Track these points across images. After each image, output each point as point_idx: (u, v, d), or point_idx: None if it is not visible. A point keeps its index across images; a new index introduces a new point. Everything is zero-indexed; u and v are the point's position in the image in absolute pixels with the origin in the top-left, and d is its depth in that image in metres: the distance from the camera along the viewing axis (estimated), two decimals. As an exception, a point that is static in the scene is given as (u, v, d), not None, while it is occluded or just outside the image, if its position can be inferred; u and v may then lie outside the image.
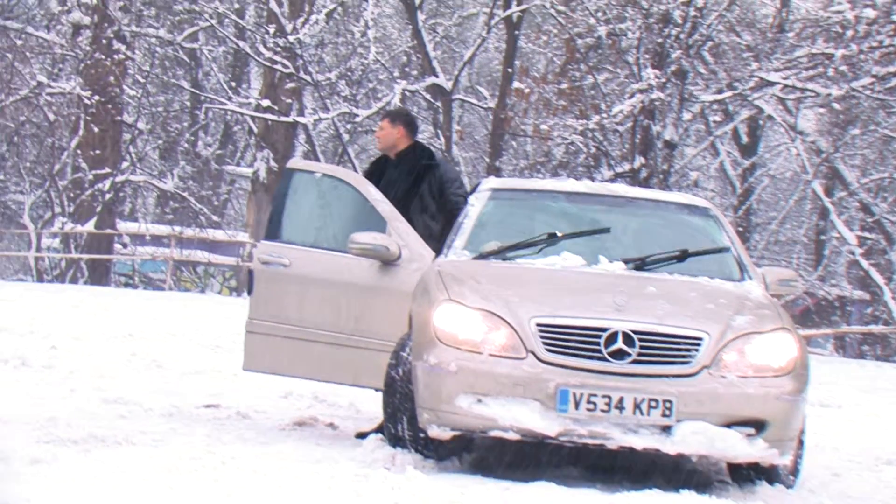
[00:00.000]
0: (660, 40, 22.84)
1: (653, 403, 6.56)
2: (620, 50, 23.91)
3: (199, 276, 32.46)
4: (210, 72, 36.43)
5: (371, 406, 9.53)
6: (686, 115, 23.61)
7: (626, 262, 7.48)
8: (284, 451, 7.29)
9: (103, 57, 28.46)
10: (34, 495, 5.63)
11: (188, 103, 37.00)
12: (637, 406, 6.56)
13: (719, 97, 23.72)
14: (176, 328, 15.32)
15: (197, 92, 34.75)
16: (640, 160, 22.98)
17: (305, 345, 8.22)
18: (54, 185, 30.22)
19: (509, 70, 27.96)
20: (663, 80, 22.48)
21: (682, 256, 7.59)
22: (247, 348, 8.42)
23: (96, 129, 28.74)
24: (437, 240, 8.20)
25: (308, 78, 28.32)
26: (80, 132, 29.19)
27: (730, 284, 7.48)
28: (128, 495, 5.80)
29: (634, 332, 6.65)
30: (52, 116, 30.10)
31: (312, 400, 10.24)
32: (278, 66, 28.37)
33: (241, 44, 31.14)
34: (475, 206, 8.05)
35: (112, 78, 28.70)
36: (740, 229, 28.45)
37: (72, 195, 29.59)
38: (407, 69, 34.12)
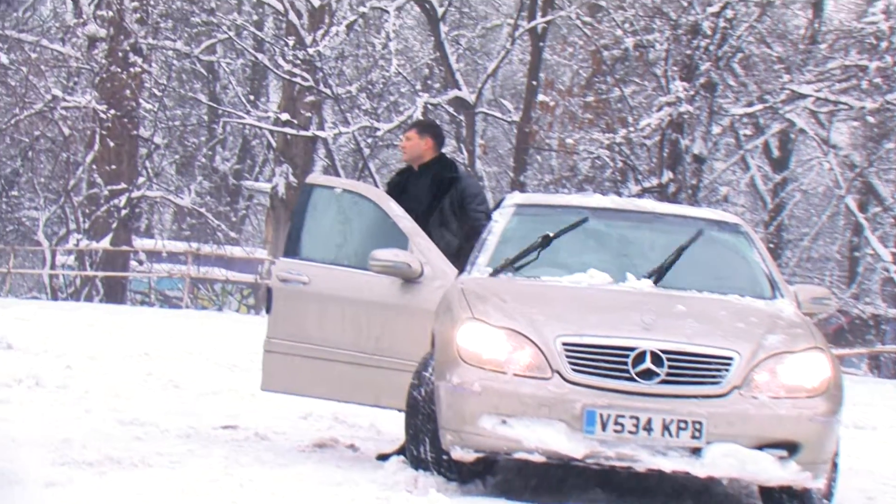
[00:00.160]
0: (688, 52, 22.84)
1: (682, 425, 6.54)
2: (648, 62, 23.91)
3: (217, 293, 32.55)
4: (228, 85, 36.56)
5: (392, 427, 9.52)
6: (715, 129, 23.59)
7: (650, 276, 7.46)
8: (304, 474, 7.29)
9: (119, 70, 28.61)
10: (48, 518, 5.64)
11: (206, 117, 37.12)
12: (666, 427, 6.54)
13: (750, 110, 23.70)
14: (193, 347, 15.34)
15: (215, 105, 34.87)
16: (668, 175, 22.95)
17: (325, 364, 8.23)
18: (69, 201, 30.35)
19: (534, 82, 27.96)
20: (692, 92, 22.46)
21: (681, 250, 7.55)
22: (265, 368, 8.42)
23: (112, 144, 28.89)
24: (456, 255, 8.21)
25: (328, 91, 28.40)
26: (96, 147, 29.33)
27: (761, 302, 7.46)
28: (144, 518, 5.81)
29: (663, 352, 6.63)
30: (67, 131, 30.22)
31: (332, 421, 10.24)
32: (298, 79, 28.47)
33: (260, 56, 31.23)
34: (499, 223, 8.04)
35: (128, 91, 28.85)
36: (771, 246, 28.36)
37: (87, 211, 29.72)
38: (429, 82, 34.18)
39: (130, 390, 11.12)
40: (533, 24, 28.14)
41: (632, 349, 6.64)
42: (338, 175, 27.85)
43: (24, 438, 7.94)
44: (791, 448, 6.65)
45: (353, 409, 9.68)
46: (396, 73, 29.83)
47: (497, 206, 8.39)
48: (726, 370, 6.66)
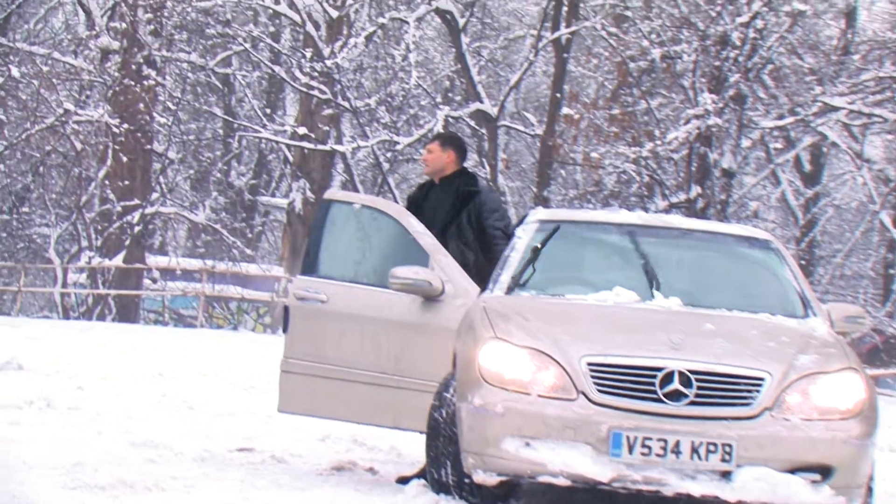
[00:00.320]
0: (717, 63, 22.84)
1: (711, 447, 6.53)
2: (675, 73, 23.92)
3: (232, 312, 32.59)
4: (244, 98, 36.68)
5: (413, 449, 9.51)
6: (745, 142, 23.58)
7: (685, 297, 7.45)
8: (322, 498, 7.29)
9: (133, 83, 28.72)
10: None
11: (221, 131, 37.25)
12: (695, 450, 6.53)
13: (780, 123, 23.68)
14: (208, 367, 15.37)
15: (230, 119, 34.99)
16: (696, 190, 22.94)
17: (344, 385, 8.23)
18: (81, 218, 30.44)
19: (558, 95, 27.98)
20: (721, 105, 22.45)
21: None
22: (282, 389, 8.43)
23: (125, 159, 28.99)
24: (471, 270, 8.22)
25: (346, 104, 28.47)
26: (109, 162, 29.44)
27: (793, 321, 7.44)
28: (157, 543, 5.82)
29: (691, 372, 6.62)
30: (79, 145, 30.33)
31: (351, 443, 10.24)
32: (315, 92, 28.54)
33: (277, 69, 31.34)
34: (522, 239, 8.05)
35: (142, 105, 28.95)
36: (803, 263, 28.32)
37: (99, 228, 29.82)
38: (450, 94, 34.23)
39: (144, 412, 11.15)
40: (557, 34, 28.16)
41: (659, 369, 6.63)
42: (356, 190, 27.90)
43: (35, 461, 7.96)
44: (824, 472, 6.63)
45: (372, 432, 9.67)
46: (416, 86, 29.88)
47: (520, 222, 8.39)
48: (757, 391, 6.64)
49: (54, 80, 30.22)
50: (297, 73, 29.09)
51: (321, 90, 28.38)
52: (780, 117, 23.59)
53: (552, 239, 7.97)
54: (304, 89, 28.93)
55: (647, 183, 24.43)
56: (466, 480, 7.00)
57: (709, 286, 7.65)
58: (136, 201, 29.30)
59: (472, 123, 29.78)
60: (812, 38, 26.36)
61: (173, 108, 32.11)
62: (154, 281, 31.53)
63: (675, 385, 6.60)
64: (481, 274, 8.15)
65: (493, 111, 28.48)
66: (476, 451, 6.79)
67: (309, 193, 29.88)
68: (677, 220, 8.60)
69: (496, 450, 6.70)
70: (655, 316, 7.23)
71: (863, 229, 31.26)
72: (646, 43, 24.04)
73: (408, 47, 29.18)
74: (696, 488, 6.53)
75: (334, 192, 9.02)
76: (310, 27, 29.01)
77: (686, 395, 6.60)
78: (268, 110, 34.63)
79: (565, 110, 26.41)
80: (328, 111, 29.01)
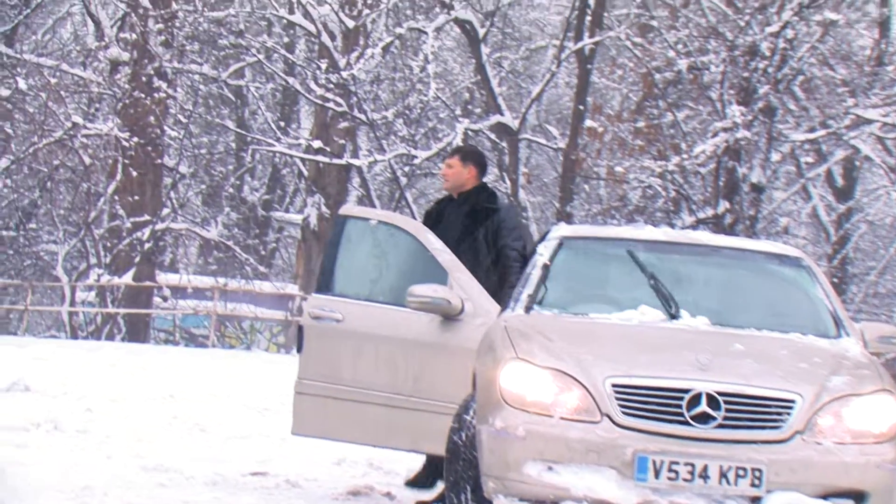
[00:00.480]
0: (746, 74, 22.83)
1: (740, 472, 6.52)
2: (703, 85, 23.91)
3: (245, 331, 32.64)
4: (257, 111, 36.76)
5: (431, 474, 9.50)
6: (775, 156, 23.55)
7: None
8: (337, 523, 7.29)
9: (143, 96, 28.82)
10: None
11: (233, 145, 37.34)
12: (723, 475, 6.51)
13: (811, 136, 23.65)
14: (220, 389, 15.39)
15: (243, 133, 35.08)
16: (724, 205, 22.92)
17: (360, 407, 8.23)
18: (90, 234, 30.54)
19: (581, 107, 28.00)
20: (750, 117, 22.44)
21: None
22: (296, 410, 8.44)
23: (135, 174, 29.08)
24: (490, 290, 8.22)
25: (363, 117, 28.52)
26: (118, 177, 29.54)
27: (825, 342, 7.42)
28: (168, 571, 5.82)
29: (719, 394, 6.61)
30: (87, 160, 30.43)
31: (367, 467, 10.25)
32: (331, 105, 28.60)
33: (291, 80, 31.42)
34: (543, 256, 8.05)
35: (152, 118, 29.05)
36: (835, 280, 28.25)
37: (108, 245, 29.90)
38: (470, 107, 34.28)
39: (154, 434, 11.16)
40: (580, 45, 28.19)
41: (686, 391, 6.62)
42: (373, 206, 27.95)
43: (42, 485, 7.97)
44: (858, 497, 6.61)
45: (389, 455, 9.68)
46: (435, 98, 29.94)
47: (542, 238, 8.39)
48: (788, 414, 6.63)
49: (62, 93, 30.34)
50: (312, 85, 29.16)
51: (337, 102, 28.44)
52: (812, 130, 23.56)
53: (575, 256, 7.97)
54: (320, 101, 29.00)
55: (673, 198, 24.41)
56: (487, 506, 7.00)
57: (737, 305, 7.64)
58: (147, 217, 29.37)
59: (493, 136, 29.82)
60: (844, 49, 26.32)
61: (184, 121, 32.20)
62: (164, 299, 31.60)
63: (703, 407, 6.59)
64: (491, 293, 8.17)
65: (515, 124, 28.51)
66: (497, 476, 6.78)
67: (324, 209, 29.94)
68: (705, 237, 8.58)
69: (518, 474, 6.69)
70: (682, 336, 7.21)
71: (897, 246, 31.19)
72: (672, 53, 24.04)
73: (426, 58, 29.25)
74: (725, 514, 6.53)
75: (350, 208, 9.04)
76: (325, 38, 29.08)
77: (714, 418, 6.58)
78: (282, 123, 34.69)
79: (589, 123, 26.41)
80: (344, 124, 29.08)
